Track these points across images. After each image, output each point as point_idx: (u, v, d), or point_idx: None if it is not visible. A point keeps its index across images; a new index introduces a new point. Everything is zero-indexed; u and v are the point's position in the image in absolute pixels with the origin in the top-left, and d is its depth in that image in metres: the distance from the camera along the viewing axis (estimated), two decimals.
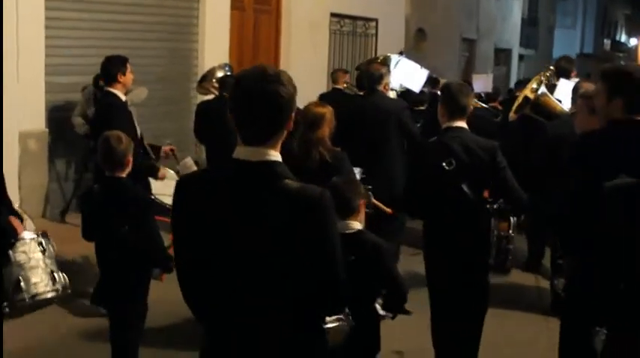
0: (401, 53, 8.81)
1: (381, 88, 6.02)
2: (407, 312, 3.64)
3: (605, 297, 3.00)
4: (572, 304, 3.39)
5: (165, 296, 4.16)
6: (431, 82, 8.92)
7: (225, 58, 9.16)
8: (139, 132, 5.62)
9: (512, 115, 6.30)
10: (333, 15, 11.75)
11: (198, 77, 9.14)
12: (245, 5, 10.16)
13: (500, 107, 9.18)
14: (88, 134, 7.21)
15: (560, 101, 6.02)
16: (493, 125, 8.26)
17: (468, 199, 3.93)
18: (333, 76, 9.27)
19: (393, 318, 3.58)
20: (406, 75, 7.83)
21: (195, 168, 6.46)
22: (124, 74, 5.45)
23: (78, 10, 7.80)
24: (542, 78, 6.04)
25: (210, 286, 2.19)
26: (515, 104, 6.29)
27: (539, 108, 5.94)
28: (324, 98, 7.86)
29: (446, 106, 4.08)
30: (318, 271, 2.13)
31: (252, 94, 2.10)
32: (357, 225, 3.45)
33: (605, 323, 3.07)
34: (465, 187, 3.91)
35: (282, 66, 10.47)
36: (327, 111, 4.30)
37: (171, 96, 9.00)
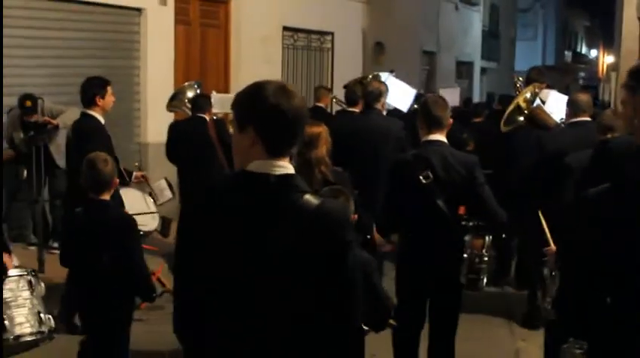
0: (392, 71, 8.50)
1: (379, 106, 5.96)
2: (393, 326, 3.66)
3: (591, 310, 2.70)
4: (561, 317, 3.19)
5: None
6: (417, 98, 8.59)
7: (170, 75, 8.79)
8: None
9: (503, 128, 6.07)
10: (285, 29, 11.37)
11: (140, 96, 8.70)
12: (191, 20, 9.73)
13: None
14: (11, 160, 6.77)
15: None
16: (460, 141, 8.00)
17: (443, 214, 3.91)
18: (317, 93, 9.04)
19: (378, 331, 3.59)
20: (395, 94, 7.60)
21: (168, 190, 6.16)
22: (103, 97, 5.33)
23: (6, 26, 7.24)
24: (537, 90, 5.88)
25: (218, 306, 2.17)
26: (506, 116, 6.05)
27: (535, 119, 5.84)
28: None
29: (423, 119, 4.09)
30: (335, 293, 2.12)
31: (280, 109, 2.15)
32: None
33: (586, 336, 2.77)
34: (440, 203, 3.90)
35: (233, 83, 10.05)
36: (323, 129, 4.17)
37: (111, 116, 8.45)
